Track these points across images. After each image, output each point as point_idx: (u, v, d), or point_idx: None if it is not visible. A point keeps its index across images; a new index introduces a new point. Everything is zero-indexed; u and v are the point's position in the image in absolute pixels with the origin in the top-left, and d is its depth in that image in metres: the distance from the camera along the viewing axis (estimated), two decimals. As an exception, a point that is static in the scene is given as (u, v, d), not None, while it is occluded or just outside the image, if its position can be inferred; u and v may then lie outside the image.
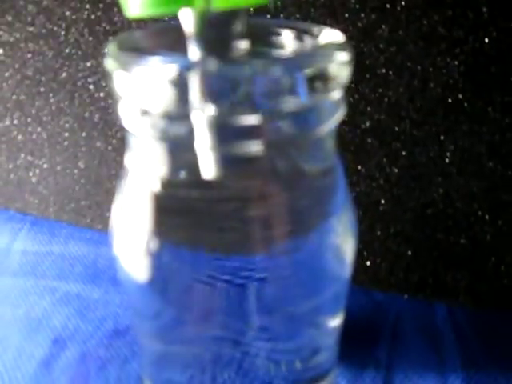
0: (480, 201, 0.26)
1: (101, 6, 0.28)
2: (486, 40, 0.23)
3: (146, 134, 0.13)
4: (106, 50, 0.14)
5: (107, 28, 0.29)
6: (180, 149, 0.14)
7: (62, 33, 0.29)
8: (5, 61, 0.31)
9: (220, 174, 0.14)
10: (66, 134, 0.32)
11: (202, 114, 0.12)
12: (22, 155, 0.34)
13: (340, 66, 0.13)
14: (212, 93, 0.12)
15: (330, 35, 0.14)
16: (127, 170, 0.15)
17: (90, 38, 0.29)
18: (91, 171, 0.33)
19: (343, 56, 0.13)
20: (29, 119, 0.33)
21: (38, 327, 0.27)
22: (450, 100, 0.24)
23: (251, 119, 0.12)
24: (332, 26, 0.24)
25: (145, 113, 0.13)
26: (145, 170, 0.14)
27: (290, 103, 0.12)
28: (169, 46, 0.14)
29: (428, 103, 0.25)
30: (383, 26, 0.24)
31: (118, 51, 0.13)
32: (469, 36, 0.23)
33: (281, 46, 0.16)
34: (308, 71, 0.12)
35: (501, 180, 0.25)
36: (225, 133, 0.13)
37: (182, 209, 0.15)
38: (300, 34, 0.16)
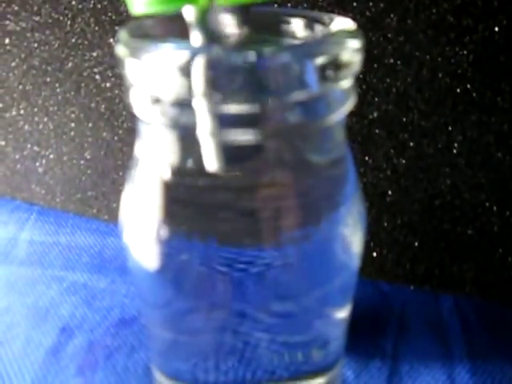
0: (488, 192, 0.26)
1: (107, -5, 0.28)
2: (496, 29, 0.23)
3: (156, 121, 0.13)
4: (116, 38, 0.14)
5: (113, 18, 0.28)
6: (190, 136, 0.14)
7: (68, 22, 0.29)
8: (11, 50, 0.31)
9: (223, 168, 0.13)
10: (73, 125, 0.32)
11: (209, 101, 0.12)
12: (29, 145, 0.34)
13: (351, 53, 0.13)
14: (220, 79, 0.12)
15: (341, 23, 0.14)
16: (137, 159, 0.15)
17: (96, 28, 0.29)
18: (97, 162, 0.33)
19: (355, 43, 0.13)
20: (35, 109, 0.33)
21: (45, 316, 0.27)
22: (458, 90, 0.24)
23: (259, 107, 0.12)
24: (340, 14, 0.24)
25: (156, 100, 0.13)
26: (155, 157, 0.14)
27: (299, 91, 0.12)
28: (179, 32, 0.14)
29: (436, 93, 0.24)
30: (392, 15, 0.24)
31: (128, 38, 0.13)
32: (478, 25, 0.23)
33: (292, 35, 0.16)
34: (319, 59, 0.12)
35: (509, 171, 0.25)
36: (231, 121, 0.13)
37: (190, 198, 0.15)
38: (311, 23, 0.16)
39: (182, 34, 0.14)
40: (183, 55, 0.12)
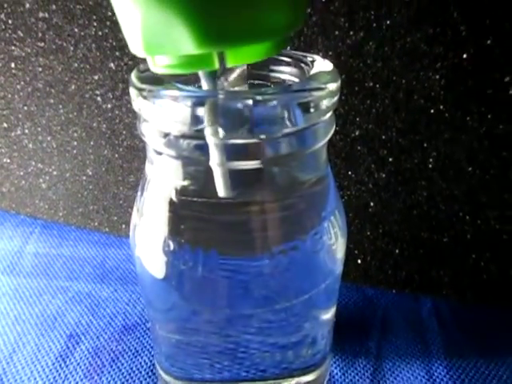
0: (461, 203, 0.28)
1: (108, 23, 0.30)
2: (464, 56, 0.25)
3: (164, 151, 0.16)
4: (130, 80, 0.16)
5: (114, 44, 0.30)
6: (193, 163, 0.16)
7: (71, 48, 0.31)
8: (16, 74, 0.33)
9: (232, 195, 0.16)
10: (75, 143, 0.34)
11: (214, 137, 0.14)
12: (33, 163, 0.36)
13: (331, 94, 0.15)
14: (222, 120, 0.14)
15: (322, 65, 0.16)
16: (146, 180, 0.18)
17: (98, 53, 0.31)
18: (99, 177, 0.35)
19: (333, 86, 0.15)
20: (39, 129, 0.34)
21: (53, 324, 0.29)
22: (432, 111, 0.26)
23: (254, 141, 0.14)
24: (323, 42, 0.27)
25: (164, 135, 0.15)
26: (163, 180, 0.17)
27: (287, 128, 0.14)
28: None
29: (412, 114, 0.26)
30: (370, 43, 0.26)
31: (138, 82, 0.15)
32: (448, 52, 0.25)
33: (278, 71, 0.18)
34: (302, 102, 0.14)
35: (479, 183, 0.27)
36: (232, 152, 0.15)
37: (194, 215, 0.17)
38: (295, 62, 0.18)
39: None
40: (187, 100, 0.14)
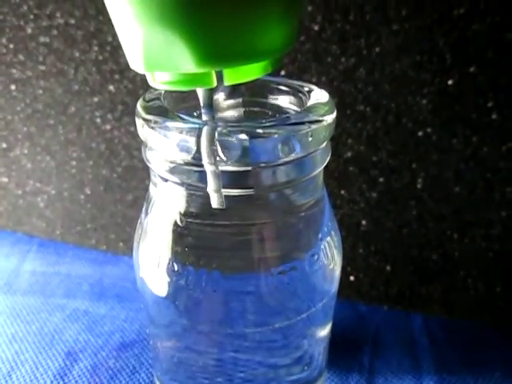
0: (449, 221, 0.29)
1: (108, 48, 0.31)
2: (450, 82, 0.26)
3: (168, 177, 0.16)
4: (136, 110, 0.16)
5: (113, 68, 0.31)
6: (195, 189, 0.17)
7: (72, 71, 0.32)
8: (17, 96, 0.34)
9: (224, 206, 0.16)
10: (74, 163, 0.35)
11: (211, 165, 0.15)
12: (31, 182, 0.36)
13: (328, 126, 0.16)
14: (219, 149, 0.15)
15: (318, 96, 0.17)
16: (150, 203, 0.18)
17: (98, 77, 0.32)
18: (97, 196, 0.35)
19: (330, 118, 0.16)
20: (38, 149, 0.35)
21: (51, 342, 0.29)
22: (420, 133, 0.27)
23: (251, 169, 0.15)
24: (316, 68, 0.28)
25: (169, 162, 0.16)
26: (167, 203, 0.17)
27: (284, 157, 0.15)
28: (188, 100, 0.17)
29: (401, 136, 0.28)
30: (361, 69, 0.27)
31: (144, 112, 0.16)
32: (435, 78, 0.26)
33: (276, 99, 0.19)
34: (301, 133, 0.15)
35: (466, 203, 0.28)
36: (229, 179, 0.16)
37: (196, 237, 0.18)
38: (293, 91, 0.19)
39: (190, 101, 0.17)
40: (191, 130, 0.15)
